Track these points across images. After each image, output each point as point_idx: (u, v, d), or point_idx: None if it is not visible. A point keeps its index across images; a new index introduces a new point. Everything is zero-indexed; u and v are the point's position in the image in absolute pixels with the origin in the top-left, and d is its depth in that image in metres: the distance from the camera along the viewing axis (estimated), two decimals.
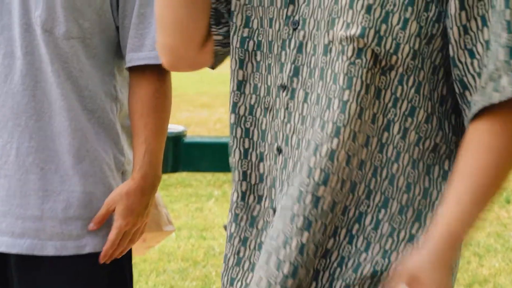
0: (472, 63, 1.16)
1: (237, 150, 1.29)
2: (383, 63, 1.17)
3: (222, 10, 1.32)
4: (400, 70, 1.17)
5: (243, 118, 1.29)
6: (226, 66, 1.37)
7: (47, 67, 1.64)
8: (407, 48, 1.17)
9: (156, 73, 1.68)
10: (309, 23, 1.22)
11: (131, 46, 1.68)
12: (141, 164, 1.69)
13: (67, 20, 1.63)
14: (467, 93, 1.17)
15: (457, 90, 1.19)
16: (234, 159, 1.29)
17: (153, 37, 1.66)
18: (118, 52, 1.72)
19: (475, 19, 1.15)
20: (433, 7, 1.16)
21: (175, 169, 2.34)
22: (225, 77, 1.39)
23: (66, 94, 1.65)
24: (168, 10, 1.30)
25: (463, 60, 1.17)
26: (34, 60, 1.64)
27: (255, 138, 1.28)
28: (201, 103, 10.69)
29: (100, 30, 1.68)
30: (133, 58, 1.68)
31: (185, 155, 2.32)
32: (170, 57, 1.34)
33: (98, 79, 1.68)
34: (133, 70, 1.70)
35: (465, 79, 1.17)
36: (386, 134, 1.19)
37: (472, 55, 1.16)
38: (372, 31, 1.16)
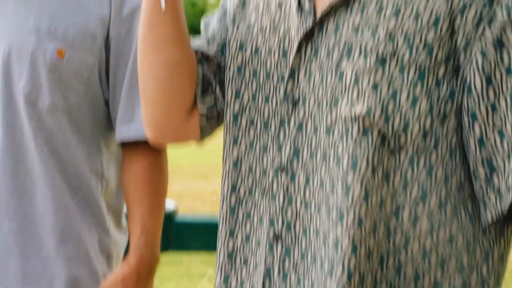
0: (502, 144, 1.08)
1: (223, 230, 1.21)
2: (391, 143, 1.08)
3: (210, 76, 1.24)
4: (410, 151, 1.09)
5: (238, 202, 1.21)
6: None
7: (29, 142, 1.54)
8: (417, 127, 1.09)
9: (150, 146, 1.58)
10: (309, 100, 1.14)
11: (122, 118, 1.59)
12: (136, 245, 1.59)
13: (52, 92, 1.54)
14: (495, 176, 1.09)
15: (481, 174, 1.10)
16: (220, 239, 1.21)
17: None
18: (105, 125, 1.63)
19: (505, 97, 1.07)
20: (445, 84, 1.09)
21: (165, 247, 2.25)
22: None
23: (49, 171, 1.55)
24: (151, 78, 1.23)
25: (492, 140, 1.09)
26: (15, 134, 1.54)
27: (245, 222, 1.20)
28: (197, 173, 10.59)
29: (87, 102, 1.59)
30: (124, 131, 1.59)
31: (176, 234, 2.24)
32: (155, 129, 1.27)
33: (84, 155, 1.59)
34: (125, 143, 1.62)
35: (494, 161, 1.09)
36: (394, 220, 1.09)
37: (502, 135, 1.08)
38: (378, 109, 1.08)
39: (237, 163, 1.21)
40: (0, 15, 1.56)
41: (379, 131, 1.08)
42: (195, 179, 10.08)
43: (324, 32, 1.15)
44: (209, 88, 1.26)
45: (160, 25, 1.20)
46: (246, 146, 1.20)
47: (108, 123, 1.63)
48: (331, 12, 1.15)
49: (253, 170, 1.19)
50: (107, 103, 1.62)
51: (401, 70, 1.08)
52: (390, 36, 1.10)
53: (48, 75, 1.54)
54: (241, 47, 1.23)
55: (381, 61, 1.09)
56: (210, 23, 1.31)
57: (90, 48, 1.57)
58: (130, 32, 1.58)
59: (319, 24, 1.16)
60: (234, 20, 1.26)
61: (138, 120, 1.57)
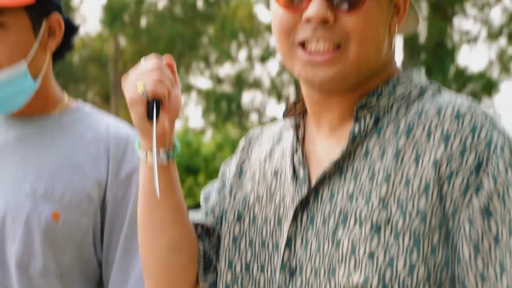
0: None
1: None
2: None
3: (211, 252, 1.23)
4: None
5: None
6: None
7: None
8: None
9: None
10: (306, 269, 1.13)
11: (115, 280, 1.57)
12: None
13: (45, 255, 1.53)
14: None
15: None
16: None
17: (139, 271, 1.56)
18: (97, 286, 1.61)
19: (494, 267, 1.06)
20: (440, 251, 1.08)
21: None
22: None
23: None
24: (152, 258, 1.21)
25: None
26: None
27: None
28: None
29: (79, 265, 1.57)
30: None
31: None
32: None
33: None
34: None
35: None
36: None
37: None
38: (376, 279, 1.07)
39: None
40: None
41: None
42: None
43: (319, 200, 1.14)
44: (210, 265, 1.25)
45: (158, 209, 1.20)
46: None
47: (100, 284, 1.61)
48: (325, 179, 1.15)
49: None
50: (99, 264, 1.60)
51: (396, 236, 1.08)
52: (383, 203, 1.10)
53: (42, 238, 1.52)
54: (239, 217, 1.23)
55: (376, 228, 1.09)
56: (210, 195, 1.31)
57: (85, 210, 1.56)
58: (126, 195, 1.58)
59: (314, 192, 1.15)
60: (231, 190, 1.26)
61: (132, 281, 1.55)
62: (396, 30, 1.19)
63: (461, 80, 19.77)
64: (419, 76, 1.20)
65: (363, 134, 1.15)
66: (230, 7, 23.84)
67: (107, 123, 1.63)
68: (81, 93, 25.34)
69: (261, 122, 24.48)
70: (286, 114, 1.25)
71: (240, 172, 1.28)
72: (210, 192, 1.33)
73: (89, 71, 28.61)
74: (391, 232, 1.08)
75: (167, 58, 1.25)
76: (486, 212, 1.06)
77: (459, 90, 20.28)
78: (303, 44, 1.16)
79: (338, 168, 1.15)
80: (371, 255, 1.08)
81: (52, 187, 1.55)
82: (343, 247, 1.10)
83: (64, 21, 1.60)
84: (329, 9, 1.13)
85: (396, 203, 1.09)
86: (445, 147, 1.08)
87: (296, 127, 1.23)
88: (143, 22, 24.90)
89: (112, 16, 23.32)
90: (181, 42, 23.87)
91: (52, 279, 1.53)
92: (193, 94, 27.11)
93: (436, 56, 18.72)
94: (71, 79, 22.98)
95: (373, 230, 1.09)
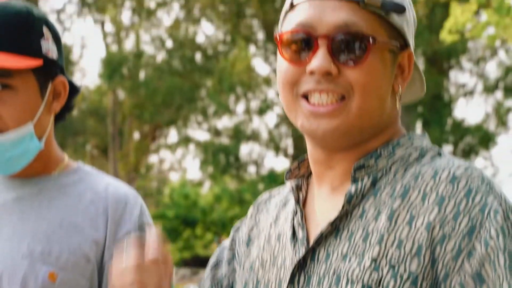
0: None
1: None
2: None
3: None
4: None
5: None
6: None
7: None
8: None
9: None
10: None
11: None
12: None
13: None
14: None
15: None
16: None
17: None
18: None
19: None
20: None
21: None
22: None
23: None
24: None
25: None
26: None
27: None
28: None
29: None
30: None
31: None
32: None
33: None
34: None
35: None
36: None
37: None
38: None
39: None
40: None
41: None
42: None
43: (316, 260, 1.15)
44: None
45: None
46: None
47: None
48: (322, 240, 1.15)
49: None
50: None
51: None
52: (375, 264, 1.09)
53: None
54: (244, 286, 1.23)
55: None
56: (220, 264, 1.32)
57: (83, 271, 1.56)
58: None
59: (312, 253, 1.15)
60: (240, 261, 1.26)
61: None
62: (400, 91, 1.20)
63: (458, 132, 19.82)
64: (422, 139, 1.21)
65: (359, 195, 1.15)
66: (228, 60, 24.03)
67: (106, 182, 1.64)
68: (79, 146, 25.38)
69: (258, 174, 24.45)
70: (288, 176, 1.26)
71: (248, 240, 1.29)
72: (220, 261, 1.33)
73: (87, 124, 28.70)
74: None
75: (153, 240, 1.20)
76: (478, 277, 1.05)
77: (456, 142, 20.33)
78: (306, 97, 1.17)
79: (335, 228, 1.16)
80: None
81: (49, 248, 1.55)
82: (343, 283, 1.09)
83: (68, 83, 1.63)
84: (332, 62, 1.15)
85: (388, 265, 1.08)
86: (439, 210, 1.08)
87: (297, 189, 1.23)
88: (142, 75, 25.06)
89: (111, 69, 23.47)
90: (179, 94, 23.99)
91: None
92: (191, 147, 27.17)
93: (433, 109, 18.80)
94: (69, 132, 23.02)
95: None
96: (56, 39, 1.61)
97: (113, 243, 1.58)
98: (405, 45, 1.20)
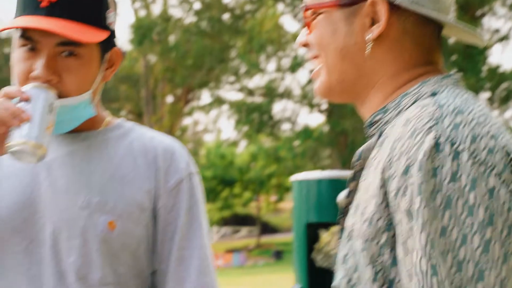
0: None
1: None
2: None
3: None
4: None
5: None
6: None
7: None
8: None
9: None
10: None
11: None
12: None
13: (103, 265, 1.55)
14: None
15: None
16: None
17: (193, 281, 1.58)
18: None
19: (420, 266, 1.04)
20: (387, 252, 1.08)
21: None
22: None
23: None
24: None
25: None
26: None
27: None
28: None
29: (135, 274, 1.59)
30: None
31: None
32: None
33: None
34: None
35: None
36: None
37: None
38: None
39: None
40: (51, 192, 1.58)
41: None
42: None
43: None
44: None
45: None
46: None
47: None
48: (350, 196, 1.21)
49: None
50: (151, 273, 1.62)
51: (354, 241, 1.13)
52: (355, 211, 1.15)
53: (99, 248, 1.55)
54: None
55: (348, 235, 1.16)
56: None
57: (138, 220, 1.59)
58: (176, 204, 1.61)
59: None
60: None
61: None
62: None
63: (494, 79, 19.59)
64: (435, 84, 1.17)
65: (367, 151, 1.19)
66: (257, 19, 23.94)
67: (151, 135, 1.67)
68: (114, 112, 25.59)
69: (293, 131, 24.49)
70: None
71: None
72: None
73: (121, 90, 28.86)
74: (353, 238, 1.13)
75: None
76: (408, 213, 1.04)
77: (493, 89, 20.10)
78: None
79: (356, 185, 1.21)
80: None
81: (105, 199, 1.57)
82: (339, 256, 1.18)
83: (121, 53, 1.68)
84: None
85: (359, 212, 1.13)
86: (389, 154, 1.09)
87: (349, 182, 1.24)
88: (171, 39, 25.10)
89: (140, 35, 23.55)
90: (209, 56, 24.01)
91: None
92: (225, 107, 27.25)
93: (467, 57, 18.58)
94: (104, 99, 23.23)
95: (348, 237, 1.15)
96: (116, 9, 1.66)
97: (165, 193, 1.61)
98: None
